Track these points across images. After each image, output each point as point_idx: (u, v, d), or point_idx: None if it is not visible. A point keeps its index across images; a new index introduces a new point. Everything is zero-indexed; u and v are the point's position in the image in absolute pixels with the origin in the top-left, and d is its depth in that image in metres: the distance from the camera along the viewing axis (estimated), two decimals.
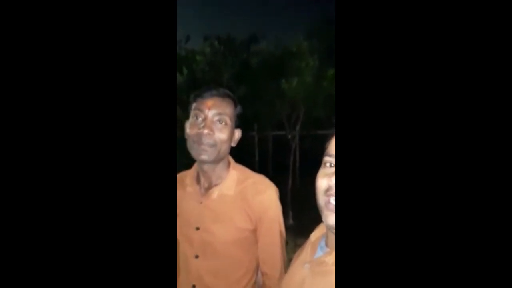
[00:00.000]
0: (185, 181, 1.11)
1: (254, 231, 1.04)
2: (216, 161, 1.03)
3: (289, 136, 7.39)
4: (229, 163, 1.09)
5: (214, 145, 0.98)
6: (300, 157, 8.18)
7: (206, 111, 0.99)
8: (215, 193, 1.04)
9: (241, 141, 1.09)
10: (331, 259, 0.66)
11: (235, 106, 1.05)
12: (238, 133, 1.07)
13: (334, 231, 0.64)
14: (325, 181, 0.65)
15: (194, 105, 1.02)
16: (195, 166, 1.10)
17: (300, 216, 5.47)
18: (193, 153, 1.00)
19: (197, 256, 1.04)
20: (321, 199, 0.66)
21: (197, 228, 1.04)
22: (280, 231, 1.06)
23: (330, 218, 0.63)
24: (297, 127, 7.31)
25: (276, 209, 1.05)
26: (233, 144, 1.06)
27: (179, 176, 1.14)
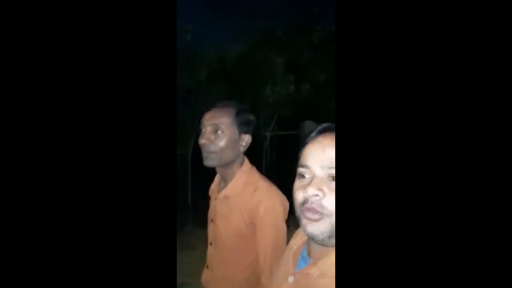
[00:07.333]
0: (215, 180, 1.29)
1: (252, 231, 1.10)
2: (224, 165, 1.14)
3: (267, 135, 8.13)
4: (241, 166, 1.17)
5: (214, 152, 1.10)
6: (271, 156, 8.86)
7: (205, 123, 1.13)
8: (222, 192, 1.16)
9: None
10: (316, 272, 0.66)
11: (236, 114, 1.13)
12: (246, 138, 1.15)
13: (317, 240, 0.64)
14: (301, 193, 0.64)
15: (202, 118, 1.16)
16: None
17: None
18: (203, 159, 1.14)
19: (211, 243, 1.23)
20: (298, 210, 0.65)
21: (212, 220, 1.22)
22: (272, 238, 1.08)
23: (308, 227, 0.62)
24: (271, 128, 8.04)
25: (268, 219, 1.08)
26: (243, 149, 1.15)
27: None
